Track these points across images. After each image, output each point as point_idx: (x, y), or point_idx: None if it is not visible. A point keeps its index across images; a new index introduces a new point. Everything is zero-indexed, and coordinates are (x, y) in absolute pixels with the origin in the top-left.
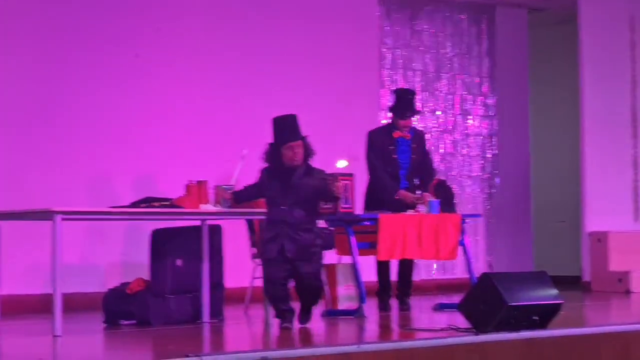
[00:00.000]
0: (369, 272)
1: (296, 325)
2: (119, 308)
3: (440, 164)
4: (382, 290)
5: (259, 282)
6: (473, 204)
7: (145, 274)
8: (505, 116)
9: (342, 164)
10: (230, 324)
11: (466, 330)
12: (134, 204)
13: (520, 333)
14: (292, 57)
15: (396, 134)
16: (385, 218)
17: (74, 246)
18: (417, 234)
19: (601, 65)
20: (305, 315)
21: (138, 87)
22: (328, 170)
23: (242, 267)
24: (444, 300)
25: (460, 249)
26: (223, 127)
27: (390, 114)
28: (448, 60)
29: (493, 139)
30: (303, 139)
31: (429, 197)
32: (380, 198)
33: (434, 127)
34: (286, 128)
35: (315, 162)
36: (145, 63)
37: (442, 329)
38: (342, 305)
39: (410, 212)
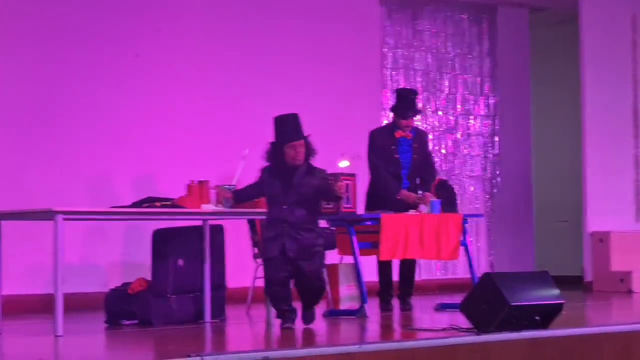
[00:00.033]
0: (370, 272)
1: (298, 325)
2: (121, 308)
3: (441, 164)
4: (384, 290)
5: (261, 282)
6: (474, 204)
7: (146, 274)
8: (506, 116)
9: (344, 163)
10: (232, 324)
11: (468, 330)
12: (136, 204)
13: (522, 333)
14: (293, 57)
15: (398, 133)
16: (388, 218)
17: (75, 246)
18: (418, 233)
19: (602, 65)
20: (308, 315)
21: (138, 87)
22: (329, 170)
23: (244, 267)
24: (446, 300)
25: (461, 249)
26: (223, 127)
27: (392, 114)
28: (449, 60)
29: (494, 139)
30: (305, 138)
31: (431, 197)
32: (382, 198)
33: (436, 127)
34: (288, 127)
35: (316, 163)
36: (145, 63)
37: (443, 329)
38: (344, 305)
39: (412, 212)
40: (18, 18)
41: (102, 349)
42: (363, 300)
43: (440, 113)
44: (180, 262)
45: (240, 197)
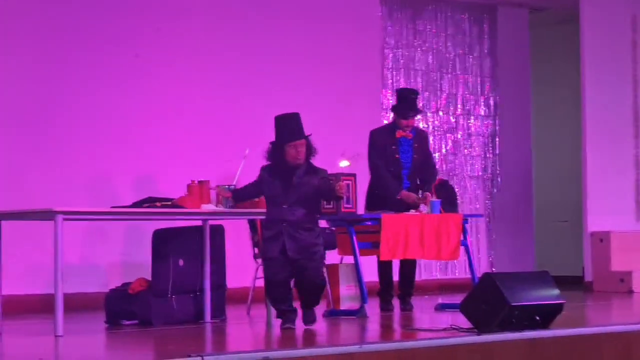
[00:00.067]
0: (370, 272)
1: (298, 325)
2: (121, 308)
3: (442, 164)
4: (384, 290)
5: (261, 282)
6: (475, 204)
7: (146, 274)
8: (506, 116)
9: (344, 163)
10: (233, 324)
11: (468, 331)
12: (136, 204)
13: (522, 333)
14: (293, 57)
15: (398, 133)
16: (388, 218)
17: (75, 246)
18: (419, 233)
19: (603, 65)
20: (308, 316)
21: (138, 87)
22: (329, 170)
23: (244, 267)
24: (446, 300)
25: (462, 249)
26: (223, 127)
27: (392, 114)
28: (450, 60)
29: (495, 139)
30: (306, 137)
31: (431, 197)
32: (382, 198)
33: (436, 127)
34: (290, 126)
35: (316, 162)
36: (145, 63)
37: (444, 329)
38: (344, 305)
39: (412, 212)
40: (18, 18)
41: (102, 349)
42: (363, 300)
43: (440, 113)
44: (181, 262)
45: (240, 196)
